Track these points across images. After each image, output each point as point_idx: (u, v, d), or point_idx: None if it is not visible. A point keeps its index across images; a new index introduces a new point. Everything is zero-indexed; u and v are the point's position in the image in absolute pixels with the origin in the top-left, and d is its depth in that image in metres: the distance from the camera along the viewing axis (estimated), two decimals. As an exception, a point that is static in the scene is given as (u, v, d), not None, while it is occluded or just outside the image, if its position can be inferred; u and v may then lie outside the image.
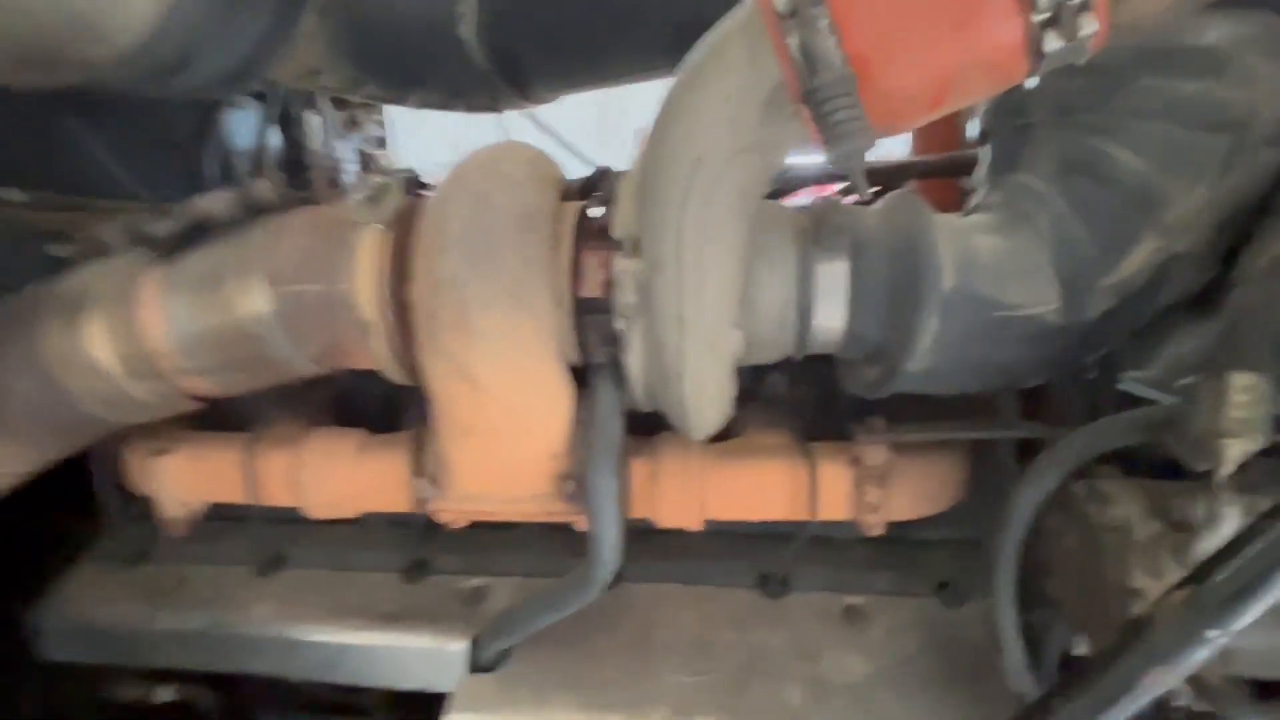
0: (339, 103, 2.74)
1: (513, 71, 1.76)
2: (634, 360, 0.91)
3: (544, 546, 1.33)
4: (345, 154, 2.79)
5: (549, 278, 0.90)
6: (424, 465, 1.13)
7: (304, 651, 1.25)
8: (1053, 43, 0.60)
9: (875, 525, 1.16)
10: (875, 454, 1.12)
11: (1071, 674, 0.66)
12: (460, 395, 0.93)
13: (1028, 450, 1.23)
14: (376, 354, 1.00)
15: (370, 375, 1.33)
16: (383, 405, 1.47)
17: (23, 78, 1.12)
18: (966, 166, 1.61)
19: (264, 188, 1.05)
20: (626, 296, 0.85)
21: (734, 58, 0.70)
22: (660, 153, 0.77)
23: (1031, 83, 0.67)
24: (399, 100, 1.95)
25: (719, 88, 0.71)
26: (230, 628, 1.27)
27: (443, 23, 1.70)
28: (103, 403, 1.10)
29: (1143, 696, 0.60)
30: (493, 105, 1.89)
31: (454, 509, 1.13)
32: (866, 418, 1.15)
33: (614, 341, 0.97)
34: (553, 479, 1.06)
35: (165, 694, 1.42)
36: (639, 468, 1.17)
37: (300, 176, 2.36)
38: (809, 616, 1.22)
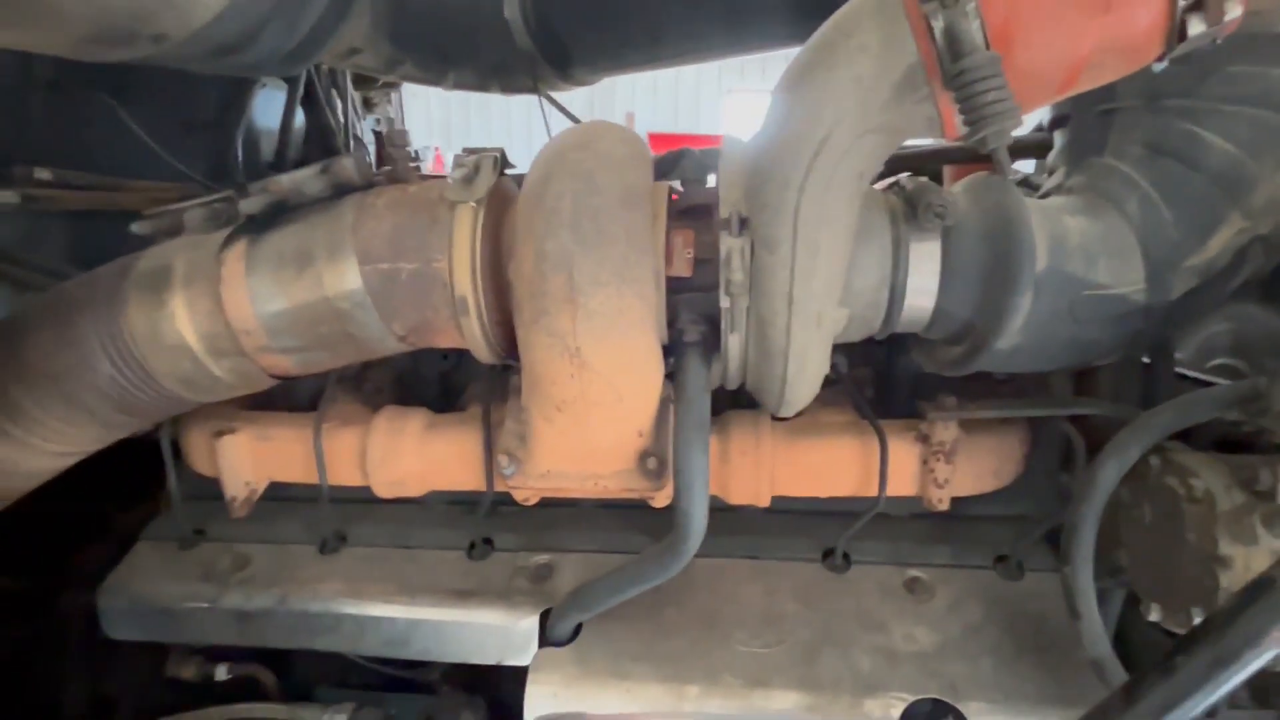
0: (356, 83, 2.71)
1: (556, 52, 1.76)
2: (736, 337, 0.92)
3: (606, 523, 1.35)
4: (364, 133, 2.77)
5: (650, 255, 0.92)
6: (501, 442, 1.14)
7: (374, 628, 1.26)
8: (1197, 26, 0.62)
9: (941, 500, 1.20)
10: (946, 430, 1.15)
11: (1190, 632, 0.70)
12: (562, 372, 0.94)
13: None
14: (469, 331, 1.01)
15: (427, 354, 1.34)
16: (440, 383, 1.49)
17: (93, 51, 1.10)
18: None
19: (348, 165, 1.04)
20: (734, 275, 0.86)
21: (866, 39, 0.71)
22: (782, 133, 0.79)
23: (1158, 67, 0.69)
24: (436, 81, 1.94)
25: (850, 69, 0.72)
26: (298, 605, 1.27)
27: (487, 3, 1.70)
28: (182, 381, 1.10)
29: (1267, 653, 0.63)
30: (531, 86, 1.89)
31: (533, 486, 1.14)
32: (936, 395, 1.17)
33: (706, 320, 0.99)
34: (636, 455, 1.08)
35: (223, 672, 1.42)
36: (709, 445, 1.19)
37: (325, 155, 2.34)
38: (872, 589, 1.25)
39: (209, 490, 1.38)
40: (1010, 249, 0.89)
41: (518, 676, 1.16)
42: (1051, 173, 1.09)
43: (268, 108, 2.18)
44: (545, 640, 1.20)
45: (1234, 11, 0.61)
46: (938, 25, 0.65)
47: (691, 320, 0.99)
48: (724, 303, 0.90)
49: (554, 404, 1.00)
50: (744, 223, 0.86)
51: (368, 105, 2.99)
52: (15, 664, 1.48)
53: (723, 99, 13.05)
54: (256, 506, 1.38)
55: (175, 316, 1.05)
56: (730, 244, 0.86)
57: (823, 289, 0.85)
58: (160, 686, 1.41)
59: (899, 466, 1.19)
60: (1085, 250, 0.92)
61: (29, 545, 1.48)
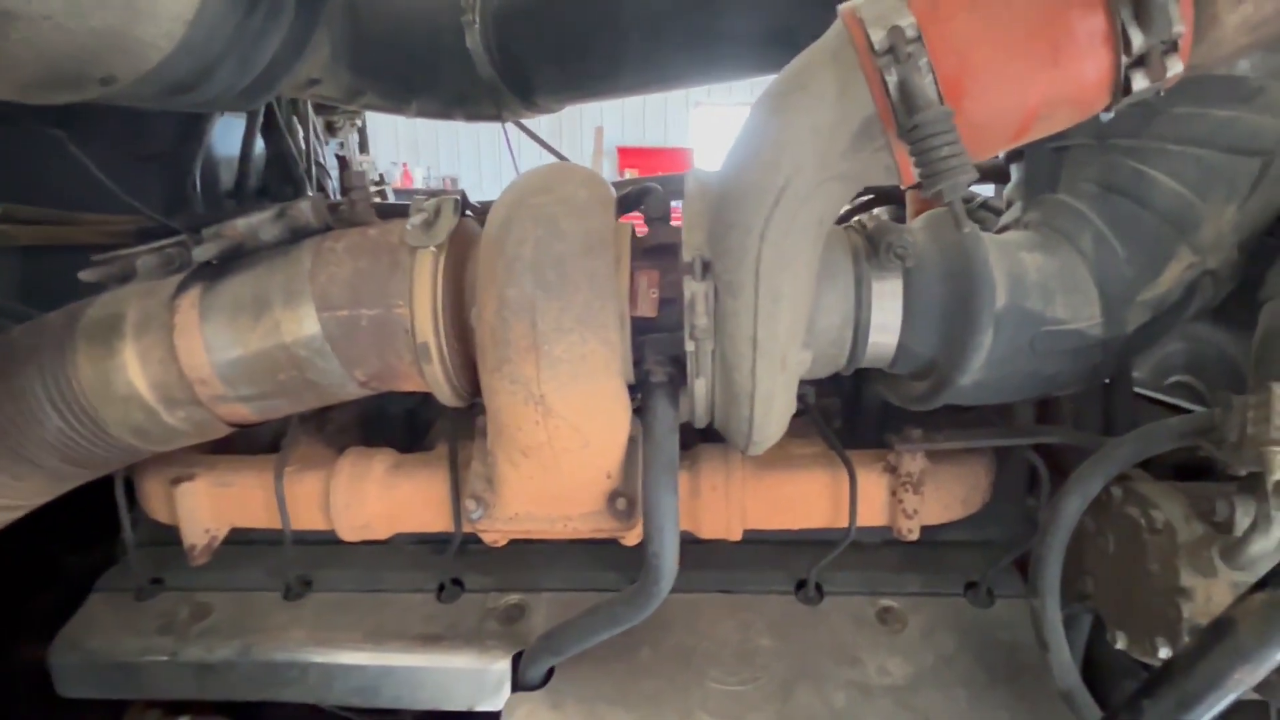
0: (318, 109, 2.68)
1: (519, 81, 1.76)
2: (702, 381, 0.92)
3: (577, 561, 1.34)
4: (325, 159, 2.74)
5: (614, 300, 0.91)
6: (468, 485, 1.13)
7: (343, 676, 1.22)
8: (1140, 82, 0.63)
9: (911, 531, 1.20)
10: (913, 462, 1.16)
11: (1155, 674, 0.70)
12: (527, 418, 0.93)
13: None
14: (431, 377, 0.99)
15: (392, 394, 1.31)
16: (406, 420, 1.46)
17: (39, 95, 1.07)
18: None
19: (305, 209, 1.02)
20: (698, 319, 0.86)
21: (822, 89, 0.72)
22: (742, 180, 0.79)
23: (1106, 117, 0.70)
24: (398, 109, 1.92)
25: (807, 119, 0.73)
26: (262, 655, 1.24)
27: (449, 32, 1.69)
28: (134, 432, 1.06)
29: (1230, 694, 0.64)
30: (495, 114, 1.88)
31: (501, 529, 1.12)
32: (903, 427, 1.18)
33: (673, 361, 0.99)
34: (605, 496, 1.07)
35: (185, 726, 1.37)
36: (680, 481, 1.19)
37: (287, 184, 2.30)
38: (845, 620, 1.25)
39: (166, 536, 1.33)
40: (971, 288, 0.90)
41: (490, 722, 1.14)
42: (1009, 205, 1.11)
43: (226, 136, 2.14)
44: (518, 684, 1.18)
45: (1175, 68, 0.63)
46: (892, 80, 0.66)
47: (658, 361, 0.98)
48: (689, 347, 0.89)
49: (519, 449, 0.99)
50: (707, 267, 0.86)
51: (330, 130, 2.96)
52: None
53: (690, 112, 13.16)
54: (216, 552, 1.34)
55: (127, 366, 1.02)
56: (694, 288, 0.86)
57: (786, 332, 0.85)
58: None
59: (868, 498, 1.20)
60: (1043, 286, 0.93)
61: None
